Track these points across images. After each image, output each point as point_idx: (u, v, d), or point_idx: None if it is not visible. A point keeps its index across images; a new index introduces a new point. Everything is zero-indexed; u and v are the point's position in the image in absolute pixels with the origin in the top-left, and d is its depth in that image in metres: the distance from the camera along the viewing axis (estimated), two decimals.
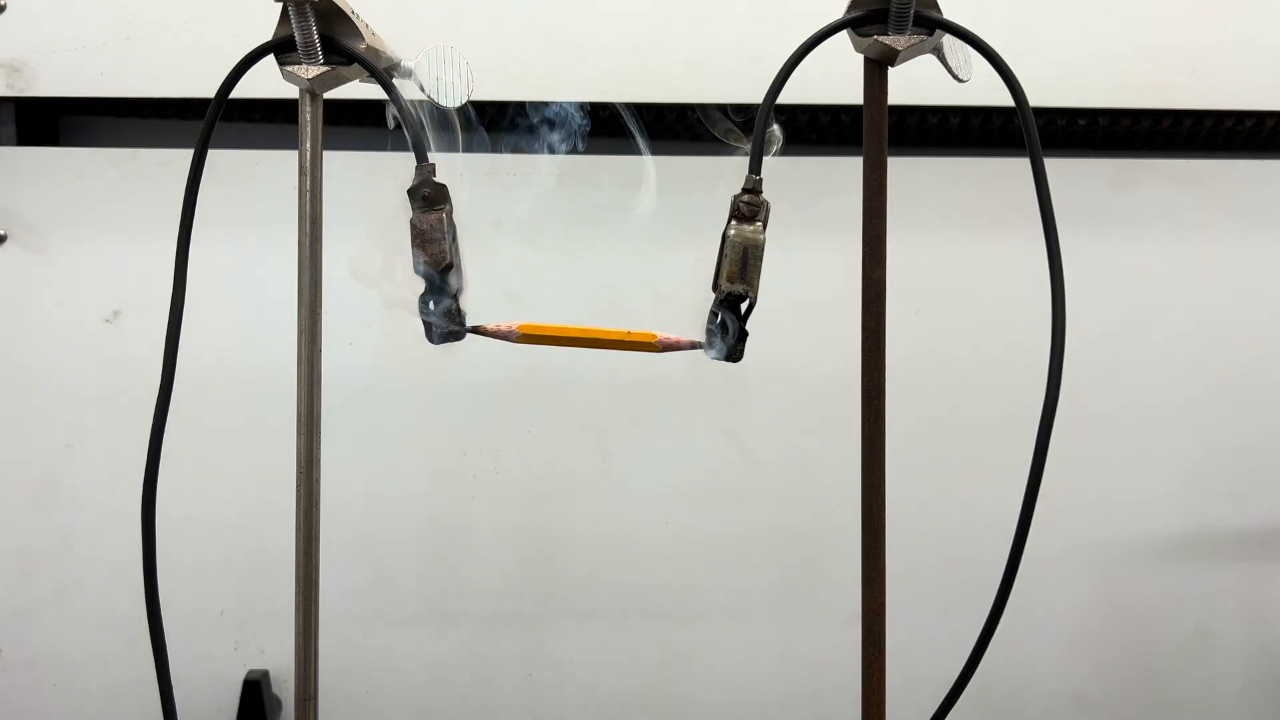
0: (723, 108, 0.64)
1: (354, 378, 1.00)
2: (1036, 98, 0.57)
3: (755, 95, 0.56)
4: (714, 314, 0.57)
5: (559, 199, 1.02)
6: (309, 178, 0.59)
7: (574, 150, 0.71)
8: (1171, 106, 1.02)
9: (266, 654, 1.03)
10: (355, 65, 0.57)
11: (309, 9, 0.55)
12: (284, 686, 1.03)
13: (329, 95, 0.60)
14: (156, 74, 0.98)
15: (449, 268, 0.56)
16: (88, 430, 1.00)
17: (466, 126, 0.62)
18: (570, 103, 0.70)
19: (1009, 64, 0.56)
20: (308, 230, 0.59)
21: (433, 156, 0.57)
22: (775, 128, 0.57)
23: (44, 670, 1.02)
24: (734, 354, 0.58)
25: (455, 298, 0.58)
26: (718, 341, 0.57)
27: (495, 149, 0.68)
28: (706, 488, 1.05)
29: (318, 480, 0.60)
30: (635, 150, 0.72)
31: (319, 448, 0.60)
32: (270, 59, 0.58)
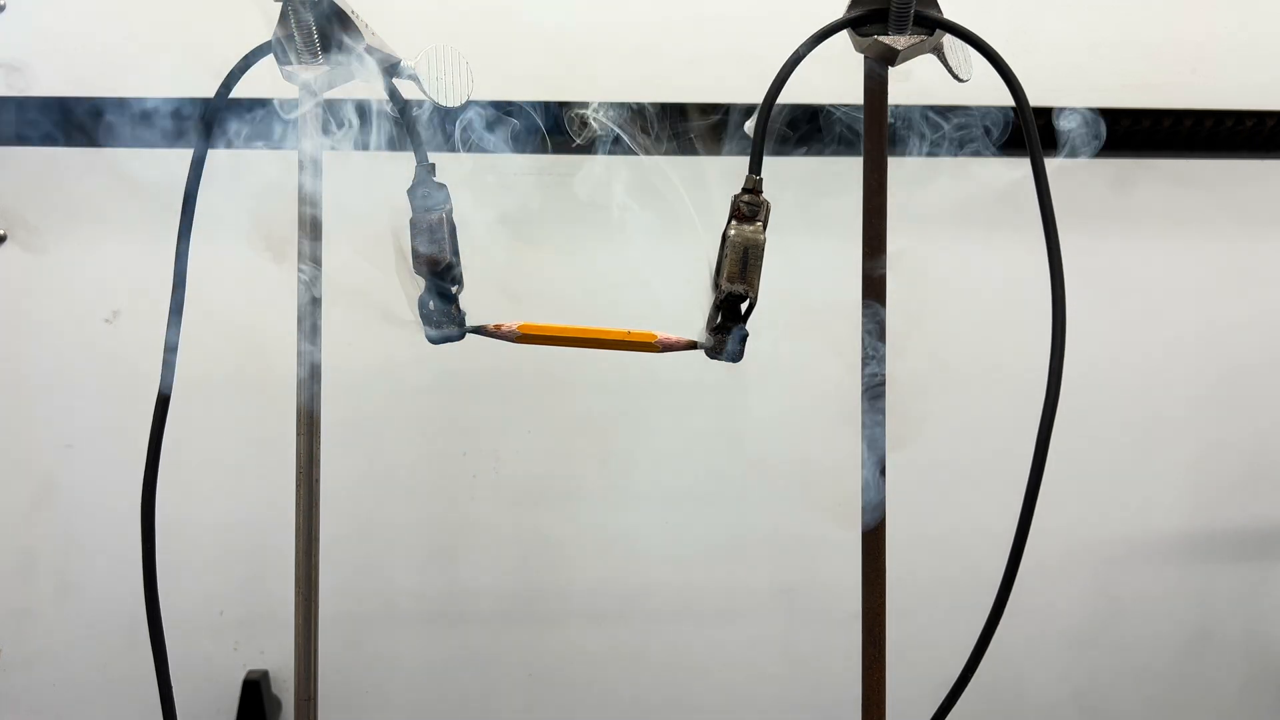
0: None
1: (354, 378, 1.00)
2: (1036, 98, 0.57)
3: (755, 95, 0.56)
4: (714, 314, 0.57)
5: (559, 198, 1.02)
6: (309, 178, 0.59)
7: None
8: (1171, 106, 1.02)
9: (266, 654, 1.03)
10: (355, 65, 0.57)
11: (309, 9, 0.55)
12: (284, 686, 1.03)
13: (329, 95, 0.60)
14: (156, 74, 0.98)
15: (449, 268, 0.56)
16: (88, 430, 1.00)
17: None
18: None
19: (1009, 64, 0.56)
20: (308, 230, 0.59)
21: (432, 156, 0.57)
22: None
23: (44, 670, 1.02)
24: (734, 354, 0.57)
25: (455, 297, 0.58)
26: (717, 341, 0.57)
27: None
28: (706, 488, 1.04)
29: (318, 480, 0.60)
30: (634, 150, 0.72)
31: (319, 448, 0.60)
32: (270, 58, 0.58)
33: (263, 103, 0.69)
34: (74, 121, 1.06)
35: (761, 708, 1.06)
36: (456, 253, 0.57)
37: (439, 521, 1.04)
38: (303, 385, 0.59)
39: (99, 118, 1.06)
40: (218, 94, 0.58)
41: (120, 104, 1.02)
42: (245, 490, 1.01)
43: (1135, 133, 1.06)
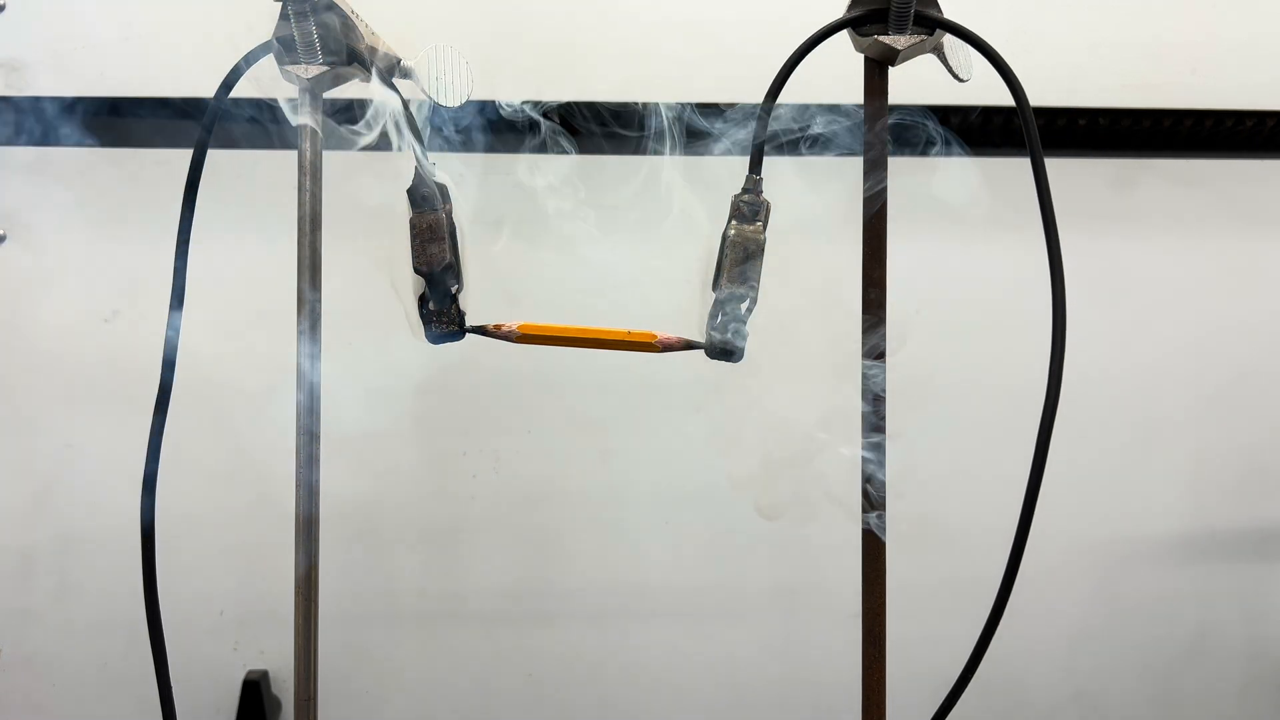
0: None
1: (354, 378, 1.00)
2: (1036, 98, 0.57)
3: (755, 95, 0.56)
4: (714, 314, 0.57)
5: (559, 198, 1.01)
6: (309, 178, 0.59)
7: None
8: (1171, 106, 1.02)
9: (266, 654, 1.03)
10: (355, 65, 0.57)
11: (309, 9, 0.55)
12: (284, 686, 1.03)
13: (328, 94, 0.60)
14: (156, 74, 0.98)
15: (448, 267, 0.56)
16: (88, 430, 1.00)
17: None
18: None
19: (1009, 64, 0.56)
20: (308, 230, 0.59)
21: (432, 155, 0.57)
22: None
23: (44, 670, 1.02)
24: (734, 354, 0.57)
25: (455, 297, 0.58)
26: (718, 341, 0.57)
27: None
28: (706, 488, 1.04)
29: (318, 480, 0.60)
30: (634, 150, 0.72)
31: (319, 448, 0.60)
32: (270, 58, 0.58)
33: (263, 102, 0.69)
34: (74, 121, 1.06)
35: (761, 708, 1.06)
36: (456, 252, 0.57)
37: (439, 521, 1.04)
38: (302, 385, 0.59)
39: (99, 117, 1.06)
40: (218, 94, 0.58)
41: (120, 104, 1.02)
42: (244, 490, 1.01)
43: (1135, 133, 1.06)
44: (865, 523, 0.61)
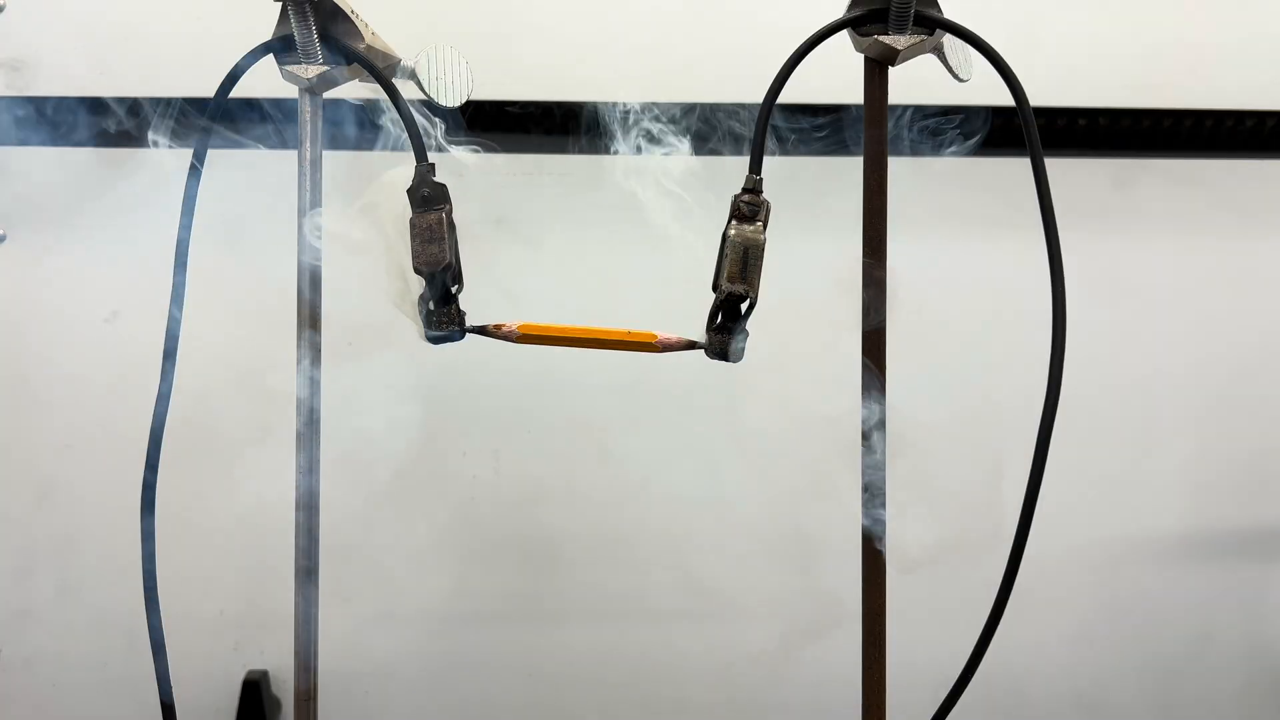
0: None
1: (354, 378, 1.00)
2: (1037, 98, 0.57)
3: (755, 95, 0.56)
4: (714, 314, 0.57)
5: (559, 198, 1.01)
6: (309, 178, 0.59)
7: None
8: (1171, 106, 1.02)
9: (266, 654, 1.03)
10: (355, 65, 0.57)
11: (309, 9, 0.55)
12: (284, 686, 1.03)
13: (328, 94, 0.60)
14: (156, 74, 0.98)
15: (448, 268, 0.56)
16: (88, 430, 1.00)
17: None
18: None
19: (1009, 64, 0.56)
20: (308, 230, 0.59)
21: (432, 156, 0.57)
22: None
23: (44, 670, 1.02)
24: (734, 354, 0.57)
25: (455, 297, 0.58)
26: (718, 341, 0.57)
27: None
28: (706, 488, 1.04)
29: (317, 480, 0.60)
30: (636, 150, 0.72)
31: (319, 448, 0.60)
32: (270, 59, 0.58)
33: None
34: (73, 121, 1.06)
35: (761, 708, 1.06)
36: (456, 253, 0.57)
37: (439, 522, 1.04)
38: (302, 385, 0.59)
39: (99, 117, 1.06)
40: (218, 93, 0.58)
41: (120, 104, 1.02)
42: (244, 490, 1.01)
43: (1135, 133, 1.06)
44: (864, 524, 0.61)
